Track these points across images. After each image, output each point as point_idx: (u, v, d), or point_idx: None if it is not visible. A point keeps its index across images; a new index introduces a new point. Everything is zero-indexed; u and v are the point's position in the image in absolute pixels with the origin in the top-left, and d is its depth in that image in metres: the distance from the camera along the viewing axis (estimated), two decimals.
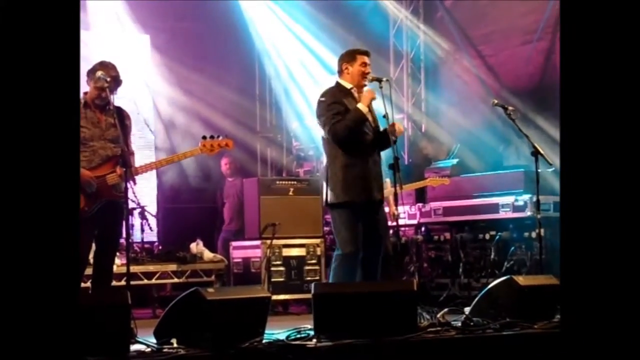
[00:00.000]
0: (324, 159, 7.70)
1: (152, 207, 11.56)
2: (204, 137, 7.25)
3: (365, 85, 7.40)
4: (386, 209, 7.91)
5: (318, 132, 7.81)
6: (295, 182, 11.12)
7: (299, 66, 13.92)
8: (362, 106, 7.26)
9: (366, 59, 7.47)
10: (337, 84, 7.51)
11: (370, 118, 7.36)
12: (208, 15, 13.21)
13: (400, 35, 13.84)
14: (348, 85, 7.45)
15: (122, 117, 7.04)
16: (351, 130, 7.24)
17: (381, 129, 7.41)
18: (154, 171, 11.32)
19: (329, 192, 7.36)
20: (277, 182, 11.06)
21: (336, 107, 7.29)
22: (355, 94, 7.41)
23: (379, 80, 7.32)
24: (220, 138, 7.29)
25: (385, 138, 7.32)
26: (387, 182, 8.89)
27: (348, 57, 7.53)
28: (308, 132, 13.19)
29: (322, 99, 7.42)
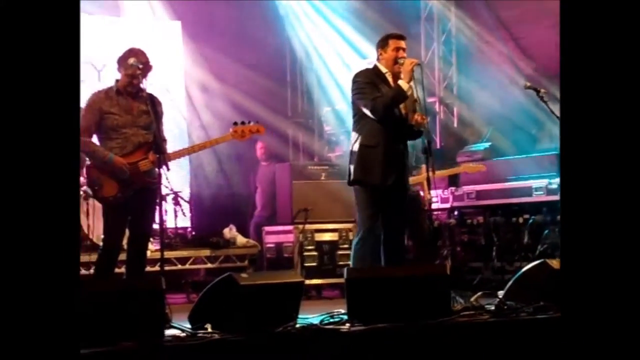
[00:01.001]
0: None
1: (185, 193, 11.59)
2: (235, 123, 7.28)
3: (399, 69, 7.35)
4: (421, 193, 7.94)
5: (349, 116, 7.79)
6: (327, 167, 11.14)
7: (330, 51, 13.89)
8: (402, 82, 7.22)
9: (400, 43, 7.43)
10: (375, 66, 7.52)
11: (411, 95, 7.30)
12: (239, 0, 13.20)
13: (432, 18, 13.76)
14: (383, 70, 7.44)
15: (154, 104, 7.07)
16: (389, 108, 7.23)
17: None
18: (187, 157, 11.37)
19: (350, 170, 7.40)
20: (309, 167, 11.08)
21: (370, 86, 7.30)
22: (390, 79, 7.39)
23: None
24: (252, 124, 7.31)
25: (412, 130, 7.34)
26: (422, 167, 8.91)
27: (382, 42, 7.52)
28: (339, 117, 13.18)
29: (358, 78, 7.43)
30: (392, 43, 7.44)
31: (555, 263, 6.91)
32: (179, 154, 7.27)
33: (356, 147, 7.38)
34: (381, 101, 7.22)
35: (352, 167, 7.38)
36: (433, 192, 7.48)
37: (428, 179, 7.40)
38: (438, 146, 12.94)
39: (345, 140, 12.55)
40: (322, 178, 10.89)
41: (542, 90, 8.07)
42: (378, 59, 7.52)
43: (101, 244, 7.11)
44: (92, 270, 7.83)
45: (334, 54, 13.81)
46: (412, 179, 8.58)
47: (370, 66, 7.59)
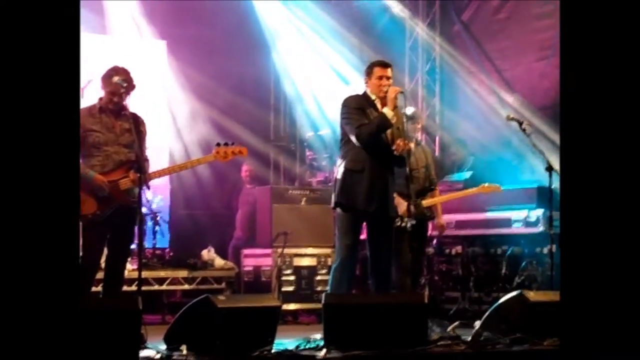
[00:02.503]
0: None
1: (164, 213, 11.55)
2: (218, 144, 7.25)
3: (385, 96, 7.37)
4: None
5: (332, 142, 7.80)
6: (307, 192, 11.14)
7: (315, 76, 13.91)
8: (387, 110, 7.26)
9: (384, 72, 7.44)
10: (364, 92, 7.54)
11: (396, 123, 7.32)
12: (225, 22, 13.19)
13: (416, 48, 13.82)
14: (372, 97, 7.47)
15: (137, 123, 7.04)
16: (374, 135, 7.25)
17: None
18: (168, 177, 11.32)
19: (333, 194, 7.41)
20: (290, 191, 11.08)
21: (359, 112, 7.32)
22: (379, 105, 7.41)
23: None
24: (235, 145, 7.29)
25: (396, 156, 7.36)
26: (436, 191, 8.92)
27: (367, 70, 7.56)
28: (322, 142, 13.18)
29: (347, 103, 7.44)
30: (377, 71, 7.47)
31: (532, 295, 6.92)
32: (159, 174, 7.25)
33: (341, 172, 7.38)
34: (366, 129, 7.24)
35: (336, 193, 7.39)
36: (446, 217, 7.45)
37: (408, 207, 7.42)
38: None
39: (327, 166, 12.57)
40: (303, 203, 10.89)
41: (525, 122, 8.10)
42: (366, 86, 7.55)
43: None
44: None
45: (318, 79, 13.83)
46: (425, 202, 8.62)
47: (361, 92, 7.60)
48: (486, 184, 9.27)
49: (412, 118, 8.75)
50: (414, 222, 7.49)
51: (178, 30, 12.96)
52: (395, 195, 7.74)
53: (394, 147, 7.28)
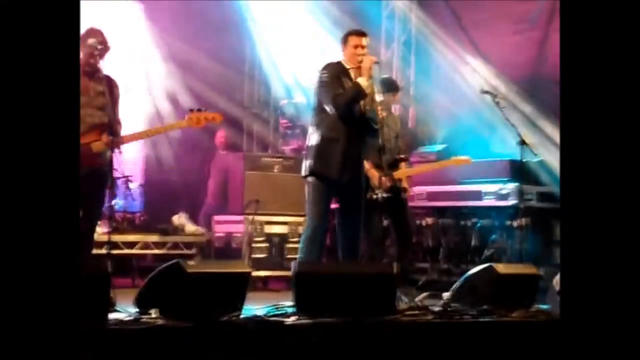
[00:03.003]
0: None
1: (136, 178, 11.50)
2: (191, 110, 7.22)
3: (359, 67, 7.36)
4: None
5: (306, 110, 7.81)
6: (281, 159, 11.14)
7: (290, 43, 13.86)
8: (362, 80, 7.25)
9: (359, 40, 7.44)
10: (339, 62, 7.51)
11: (370, 93, 7.32)
12: None
13: (393, 18, 13.79)
14: (347, 65, 7.45)
15: (111, 85, 7.00)
16: (350, 105, 7.25)
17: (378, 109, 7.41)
18: (141, 142, 11.27)
19: (306, 163, 7.41)
20: (263, 159, 11.07)
21: (334, 81, 7.30)
22: (353, 75, 7.40)
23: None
24: (208, 111, 7.26)
25: (370, 127, 7.37)
26: (402, 164, 8.91)
27: (343, 38, 7.54)
28: (297, 110, 13.16)
29: (323, 72, 7.43)
30: (352, 40, 7.46)
31: (501, 267, 6.97)
32: (132, 138, 7.22)
33: (314, 140, 7.38)
34: (342, 98, 7.23)
35: (308, 161, 7.39)
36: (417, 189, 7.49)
37: (380, 179, 7.45)
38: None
39: (300, 134, 12.55)
40: (275, 170, 10.90)
41: (498, 96, 8.13)
42: (342, 55, 7.53)
43: None
44: None
45: (294, 47, 13.78)
46: (396, 174, 8.61)
47: (336, 60, 7.59)
48: (457, 157, 9.31)
49: (391, 89, 8.76)
50: (385, 194, 7.52)
51: None
52: (368, 166, 7.77)
53: (374, 125, 7.28)
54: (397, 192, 8.56)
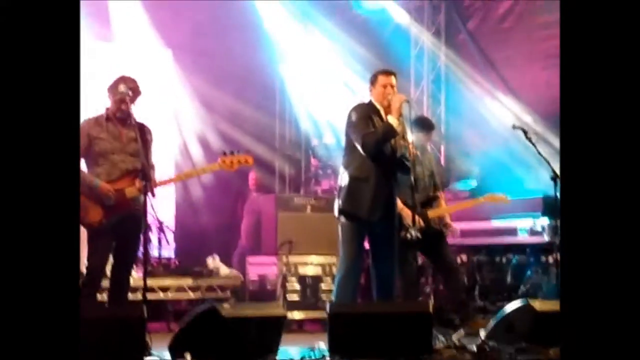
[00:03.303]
0: None
1: (170, 222, 11.55)
2: (224, 153, 7.25)
3: (389, 105, 7.37)
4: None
5: (337, 151, 7.83)
6: (312, 200, 11.11)
7: (320, 84, 13.94)
8: (391, 119, 7.26)
9: (388, 80, 7.45)
10: (370, 101, 7.55)
11: (401, 132, 7.33)
12: (231, 31, 13.21)
13: (422, 57, 13.82)
14: (377, 106, 7.47)
15: (143, 131, 7.06)
16: (380, 144, 7.25)
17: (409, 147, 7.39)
18: (173, 185, 11.33)
19: (338, 203, 7.40)
20: (295, 199, 11.05)
21: (364, 121, 7.32)
22: (383, 114, 7.41)
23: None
24: (240, 154, 7.29)
25: (402, 165, 7.36)
26: (442, 200, 8.89)
27: (371, 78, 7.56)
28: (328, 151, 13.19)
29: (353, 112, 7.44)
30: (381, 79, 7.48)
31: (537, 304, 6.91)
32: (165, 182, 7.26)
33: (345, 180, 7.39)
34: (372, 137, 7.24)
35: (339, 201, 7.39)
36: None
37: (413, 216, 7.42)
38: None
39: (332, 174, 12.56)
40: (308, 211, 10.87)
41: (530, 131, 8.11)
42: (370, 95, 7.56)
43: (84, 270, 7.05)
44: None
45: (324, 88, 13.85)
46: (431, 212, 8.57)
47: (366, 100, 7.61)
48: (493, 194, 9.25)
49: (425, 128, 8.74)
50: (417, 233, 7.51)
51: (184, 39, 12.98)
52: (400, 205, 7.75)
53: (407, 162, 7.27)
54: (431, 230, 8.52)
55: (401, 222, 7.92)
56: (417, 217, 7.67)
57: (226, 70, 13.07)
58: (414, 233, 7.41)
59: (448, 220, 8.81)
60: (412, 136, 7.68)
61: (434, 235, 8.54)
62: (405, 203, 7.90)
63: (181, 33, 12.91)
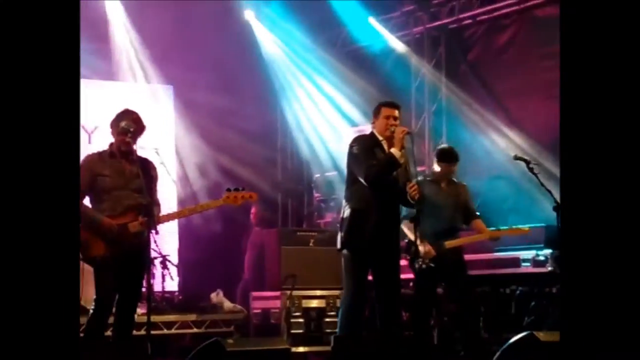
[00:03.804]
0: None
1: (173, 256, 11.58)
2: (229, 190, 7.27)
3: (392, 137, 7.41)
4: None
5: (339, 184, 7.88)
6: (315, 233, 11.15)
7: (322, 118, 14.00)
8: (394, 150, 7.30)
9: (392, 112, 7.51)
10: (371, 133, 7.61)
11: (403, 163, 7.37)
12: (230, 65, 13.31)
13: (422, 88, 13.85)
14: (379, 137, 7.53)
15: (147, 167, 7.12)
16: (383, 176, 7.30)
17: (412, 180, 7.42)
18: (176, 221, 11.35)
19: (338, 235, 7.44)
20: (298, 233, 11.09)
21: (366, 153, 7.37)
22: (385, 146, 7.46)
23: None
24: (245, 190, 7.32)
25: (404, 196, 7.39)
26: (482, 227, 8.89)
27: (374, 110, 7.64)
28: (329, 184, 13.23)
29: (354, 144, 7.51)
30: (385, 111, 7.55)
31: (542, 335, 6.91)
32: (168, 218, 7.29)
33: (347, 213, 7.43)
34: (374, 169, 7.29)
35: (342, 234, 7.43)
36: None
37: (416, 249, 7.46)
38: None
39: (334, 207, 12.61)
40: (311, 244, 10.90)
41: (532, 162, 8.15)
42: (373, 127, 7.63)
43: (92, 306, 7.03)
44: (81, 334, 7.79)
45: (325, 121, 13.91)
46: (449, 243, 8.56)
47: (366, 132, 7.68)
48: (516, 227, 9.23)
49: (449, 159, 8.70)
50: (430, 263, 7.58)
51: (185, 75, 13.06)
52: (414, 235, 7.78)
53: (408, 191, 7.29)
54: (447, 260, 8.45)
55: (416, 252, 8.00)
56: (428, 248, 7.73)
57: (227, 105, 13.12)
58: (426, 263, 7.50)
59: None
60: (437, 167, 8.23)
61: (450, 265, 8.50)
62: (421, 235, 7.92)
63: (182, 69, 12.99)
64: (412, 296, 8.28)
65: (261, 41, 14.01)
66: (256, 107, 13.82)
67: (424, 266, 7.82)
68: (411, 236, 7.82)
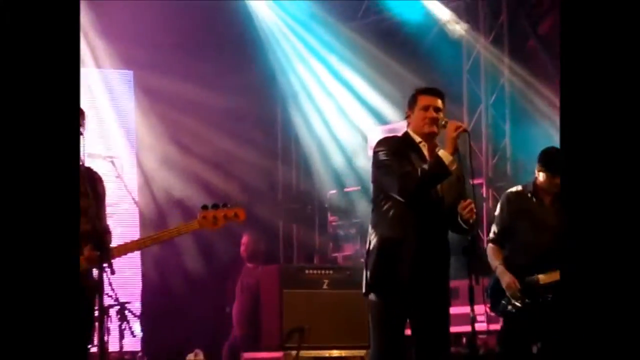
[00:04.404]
0: None
1: (134, 303, 11.52)
2: (205, 207, 7.10)
3: (433, 134, 7.23)
4: None
5: (361, 202, 7.75)
6: (331, 272, 11.06)
7: (336, 112, 13.93)
8: (444, 153, 7.04)
9: (433, 101, 7.27)
10: (405, 133, 7.38)
11: (455, 172, 7.17)
12: (211, 42, 13.32)
13: (477, 72, 13.75)
14: (417, 138, 7.29)
15: (93, 181, 6.95)
16: (424, 188, 7.07)
17: (467, 196, 7.26)
18: (138, 254, 11.30)
19: (366, 275, 7.29)
20: (306, 272, 11.01)
21: (398, 158, 7.16)
22: (425, 151, 7.24)
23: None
24: (228, 206, 7.14)
25: (456, 218, 7.21)
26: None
27: (410, 100, 7.37)
28: (350, 203, 13.16)
29: (380, 148, 7.27)
30: (422, 100, 7.28)
31: None
32: (127, 249, 7.12)
33: (374, 243, 7.26)
34: (412, 178, 7.07)
35: (368, 272, 7.27)
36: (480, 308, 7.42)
37: (471, 290, 7.30)
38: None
39: (356, 236, 12.54)
40: (325, 287, 10.83)
41: None
42: (408, 124, 7.42)
43: None
44: None
45: (342, 117, 13.85)
46: (544, 277, 8.35)
47: (399, 133, 7.49)
48: None
49: (554, 167, 8.55)
50: (518, 303, 7.59)
51: (149, 55, 13.02)
52: (502, 269, 7.70)
53: (460, 213, 7.13)
54: (539, 298, 8.32)
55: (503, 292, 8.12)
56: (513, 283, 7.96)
57: (205, 93, 13.08)
58: (514, 305, 7.54)
59: None
60: (540, 176, 8.20)
61: (547, 310, 8.37)
62: (508, 267, 8.01)
63: (145, 49, 12.97)
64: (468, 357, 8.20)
65: (254, 10, 13.94)
66: (248, 100, 13.76)
67: (509, 307, 7.70)
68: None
